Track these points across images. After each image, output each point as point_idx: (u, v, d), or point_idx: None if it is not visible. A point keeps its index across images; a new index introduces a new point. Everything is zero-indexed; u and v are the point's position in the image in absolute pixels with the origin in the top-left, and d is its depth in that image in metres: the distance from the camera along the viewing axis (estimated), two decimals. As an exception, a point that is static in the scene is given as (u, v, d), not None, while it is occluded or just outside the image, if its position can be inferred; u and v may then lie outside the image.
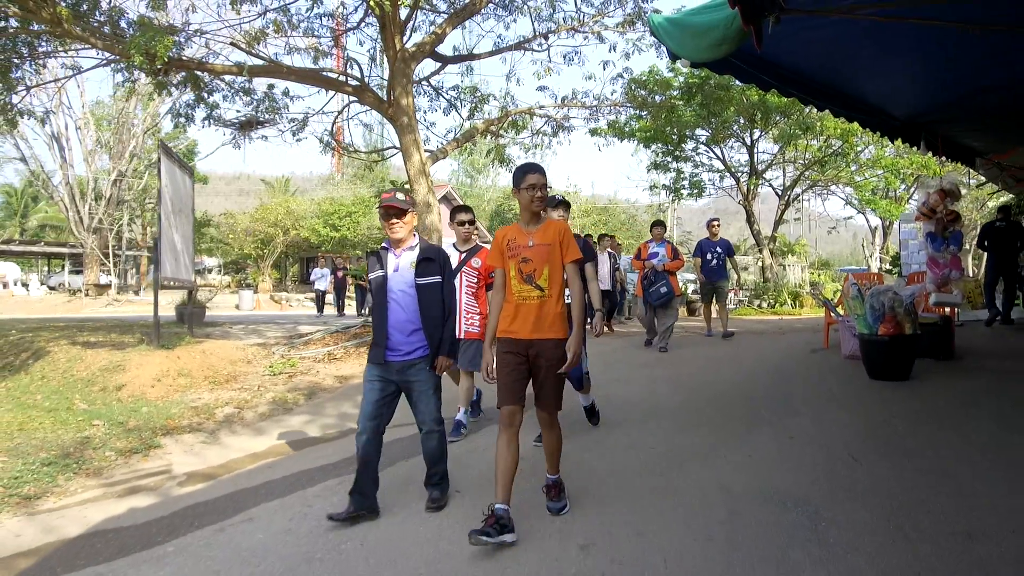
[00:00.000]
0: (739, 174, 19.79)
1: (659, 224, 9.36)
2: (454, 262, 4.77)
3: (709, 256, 9.65)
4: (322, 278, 20.78)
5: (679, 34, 3.99)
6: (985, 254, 10.45)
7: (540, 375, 3.31)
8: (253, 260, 39.08)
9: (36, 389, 7.01)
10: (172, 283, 9.16)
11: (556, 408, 3.34)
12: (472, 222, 5.06)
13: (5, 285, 32.21)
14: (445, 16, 11.68)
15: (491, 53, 12.33)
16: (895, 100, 6.32)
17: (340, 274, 20.06)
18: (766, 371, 7.24)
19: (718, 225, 10.04)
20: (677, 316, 9.09)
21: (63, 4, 8.30)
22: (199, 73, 10.79)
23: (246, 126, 10.87)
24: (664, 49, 5.20)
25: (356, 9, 10.80)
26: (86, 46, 10.46)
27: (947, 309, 7.75)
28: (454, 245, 5.09)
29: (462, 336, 4.79)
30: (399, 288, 3.62)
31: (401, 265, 3.66)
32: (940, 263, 6.78)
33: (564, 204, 4.63)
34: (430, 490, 3.70)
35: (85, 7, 9.19)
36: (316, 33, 11.92)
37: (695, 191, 20.30)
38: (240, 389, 6.75)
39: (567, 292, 3.42)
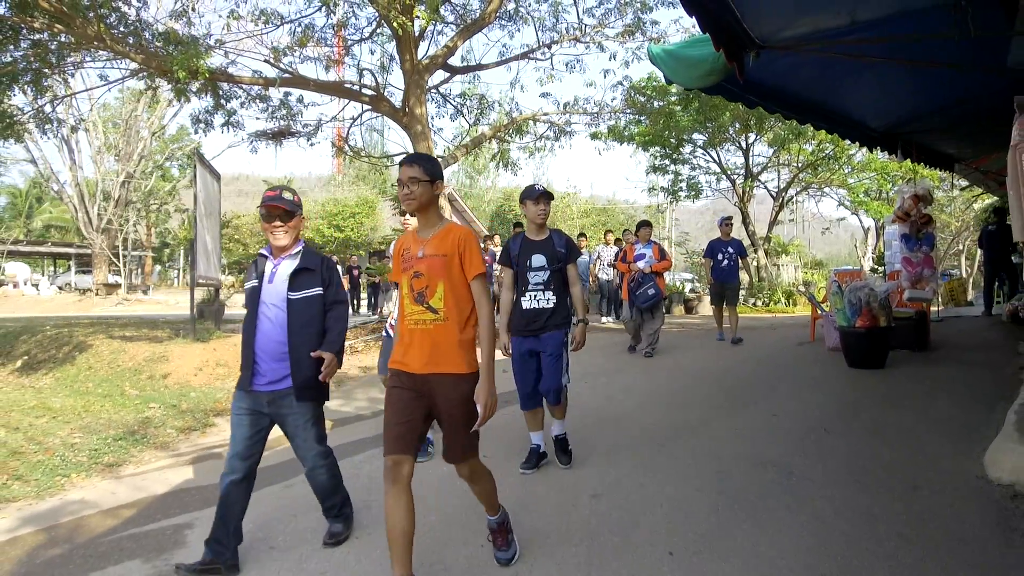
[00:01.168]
0: (735, 177, 20.44)
1: (645, 224, 8.81)
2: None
3: (720, 256, 9.26)
4: None
5: (674, 64, 4.62)
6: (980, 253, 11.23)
7: (441, 419, 2.72)
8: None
9: (85, 378, 7.63)
10: (203, 281, 9.77)
11: (468, 457, 2.76)
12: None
13: (16, 285, 32.79)
14: (454, 27, 12.36)
15: (497, 63, 12.98)
16: (872, 113, 6.93)
17: (356, 273, 19.91)
18: (756, 362, 7.88)
19: (730, 224, 9.71)
20: (663, 320, 8.68)
21: (105, 23, 8.91)
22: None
23: (277, 135, 11.49)
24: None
25: (370, 23, 11.36)
26: (117, 57, 11.11)
27: (923, 304, 8.39)
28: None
29: None
30: (272, 302, 3.08)
31: (278, 276, 3.12)
32: (914, 262, 7.40)
33: (545, 196, 4.14)
34: (330, 523, 3.35)
35: (122, 28, 9.78)
36: (329, 43, 12.61)
37: (692, 193, 20.94)
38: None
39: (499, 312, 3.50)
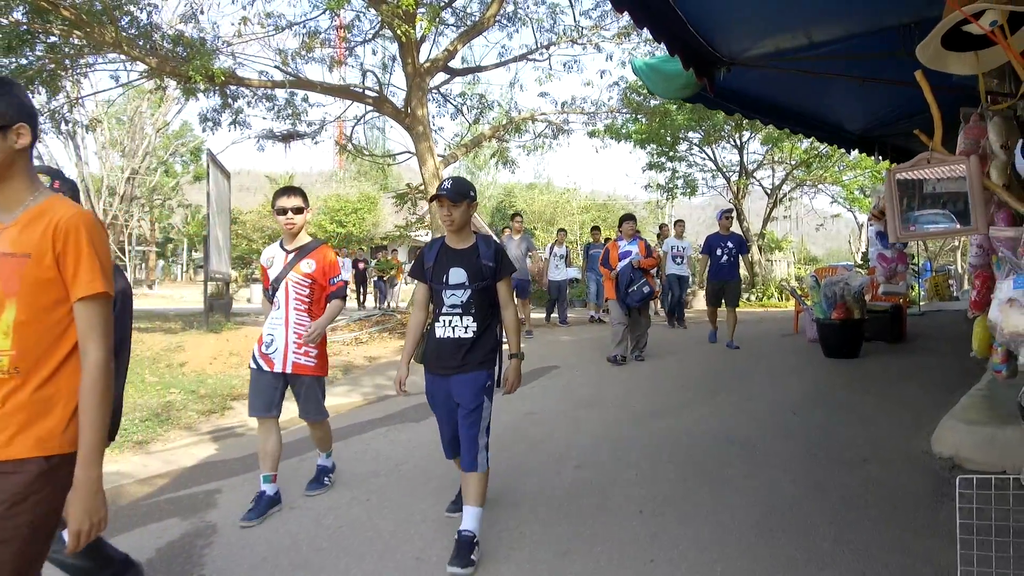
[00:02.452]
0: (730, 174, 20.87)
1: (629, 218, 8.25)
2: (278, 266, 3.65)
3: (719, 252, 8.61)
4: (344, 269, 20.04)
5: (655, 76, 5.05)
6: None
7: None
8: (259, 255, 40.16)
9: (106, 367, 8.08)
10: (216, 275, 10.22)
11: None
12: (299, 210, 3.62)
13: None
14: (454, 29, 12.79)
15: (496, 65, 13.43)
16: (847, 117, 7.34)
17: (361, 266, 19.76)
18: (740, 351, 8.32)
19: (730, 218, 9.13)
20: (650, 321, 8.31)
21: (119, 28, 9.34)
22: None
23: (287, 137, 11.94)
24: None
25: (373, 26, 11.78)
26: (129, 59, 11.54)
27: (900, 298, 8.83)
28: (280, 244, 3.73)
29: (289, 370, 3.66)
30: None
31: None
32: (888, 258, 7.83)
33: (452, 196, 3.08)
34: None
35: (134, 31, 10.20)
36: (332, 44, 13.04)
37: (688, 190, 21.37)
38: (284, 367, 7.84)
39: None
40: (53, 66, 11.19)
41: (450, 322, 3.10)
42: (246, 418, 5.90)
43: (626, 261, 7.60)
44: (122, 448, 4.98)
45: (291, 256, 3.65)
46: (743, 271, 19.60)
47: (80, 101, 12.76)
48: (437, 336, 3.14)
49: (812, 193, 22.92)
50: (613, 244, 8.08)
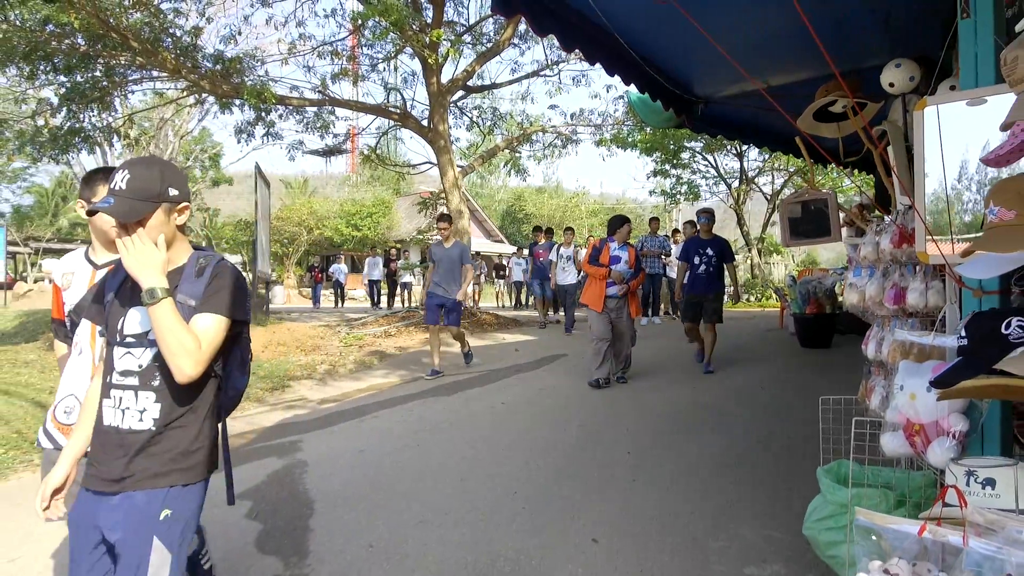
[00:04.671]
0: (731, 180, 21.91)
1: (623, 221, 7.06)
2: (80, 287, 2.33)
3: (697, 260, 7.37)
4: (374, 268, 19.53)
5: (645, 109, 6.11)
6: None
7: None
8: (277, 258, 41.50)
9: (169, 355, 9.23)
10: (261, 275, 11.37)
11: None
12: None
13: (51, 281, 34.65)
14: (470, 47, 13.92)
15: (510, 82, 14.58)
16: (816, 138, 8.38)
17: (393, 266, 19.52)
18: (726, 344, 9.37)
19: (710, 219, 7.61)
20: (635, 335, 7.12)
21: (169, 53, 10.52)
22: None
23: (327, 153, 13.12)
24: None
25: (395, 46, 12.91)
26: (175, 78, 12.74)
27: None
28: (86, 254, 2.42)
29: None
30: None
31: None
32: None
33: (111, 211, 1.69)
34: None
35: (176, 51, 11.37)
36: (351, 59, 14.20)
37: (691, 196, 22.42)
38: (326, 355, 8.95)
39: None
40: (107, 83, 12.41)
41: (120, 400, 1.78)
42: (305, 392, 7.07)
43: (616, 268, 6.73)
44: (209, 414, 6.10)
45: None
46: (746, 275, 20.74)
47: (132, 117, 13.90)
48: (104, 424, 1.80)
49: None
50: (595, 241, 7.51)
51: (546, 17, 3.56)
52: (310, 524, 3.54)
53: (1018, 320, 1.54)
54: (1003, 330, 1.55)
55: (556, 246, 12.16)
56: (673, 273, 11.75)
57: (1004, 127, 1.58)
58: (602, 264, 6.73)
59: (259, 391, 7.05)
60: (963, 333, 1.63)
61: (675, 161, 21.50)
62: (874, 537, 1.74)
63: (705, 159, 21.79)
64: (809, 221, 3.53)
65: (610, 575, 2.93)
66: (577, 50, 3.99)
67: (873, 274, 2.85)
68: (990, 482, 1.76)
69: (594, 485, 4.01)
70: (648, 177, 22.39)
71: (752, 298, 19.91)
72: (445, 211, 11.85)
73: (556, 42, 4.38)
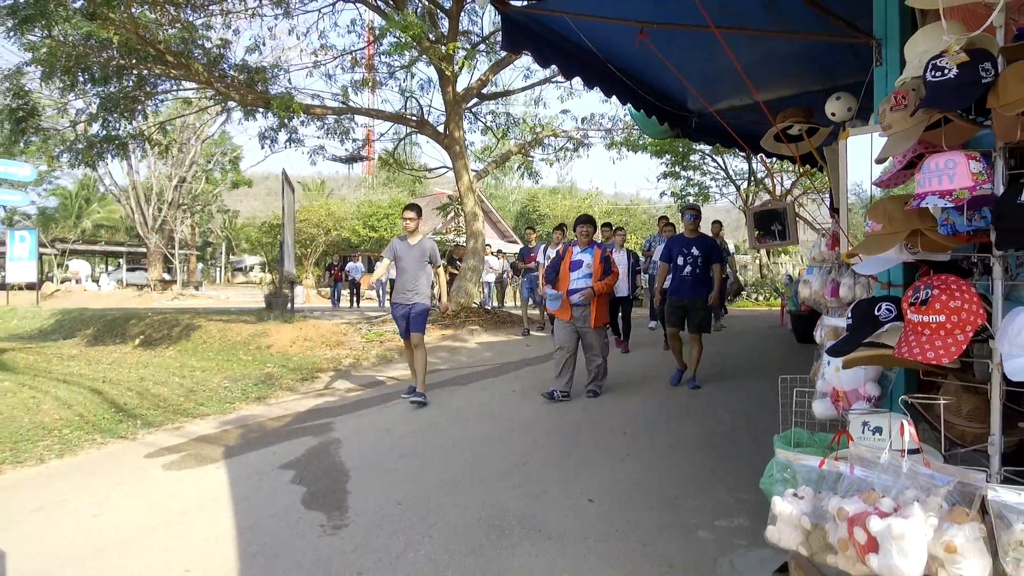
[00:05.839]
0: (740, 181, 22.33)
1: (586, 221, 6.62)
2: None
3: (681, 261, 6.67)
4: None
5: (643, 121, 6.65)
6: None
7: None
8: (296, 259, 42.31)
9: (203, 350, 9.89)
10: (288, 276, 12.01)
11: None
12: None
13: (78, 281, 35.72)
14: (485, 54, 14.51)
15: (523, 88, 15.17)
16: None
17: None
18: (728, 339, 9.89)
19: (696, 216, 6.88)
20: (607, 344, 6.60)
21: (198, 63, 11.19)
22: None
23: (349, 160, 13.77)
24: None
25: (418, 58, 13.52)
26: (203, 87, 13.43)
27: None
28: None
29: None
30: None
31: None
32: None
33: None
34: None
35: (204, 61, 12.04)
36: (376, 70, 14.84)
37: (701, 197, 22.86)
38: (350, 349, 9.55)
39: None
40: (137, 93, 13.13)
41: None
42: (332, 385, 7.65)
43: (578, 274, 6.30)
44: (246, 401, 6.72)
45: None
46: (755, 275, 21.10)
47: (163, 125, 14.63)
48: None
49: (819, 200, 24.22)
50: (567, 249, 6.70)
51: (548, 50, 4.12)
52: (347, 487, 4.13)
53: (887, 305, 2.09)
54: (875, 312, 2.09)
55: (543, 246, 10.80)
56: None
57: (878, 160, 2.11)
58: (556, 284, 6.40)
59: (291, 381, 7.67)
60: (850, 315, 2.17)
61: (685, 163, 21.96)
62: (788, 471, 2.30)
63: (714, 161, 22.23)
64: (773, 226, 4.07)
65: (599, 525, 3.49)
66: (577, 77, 4.54)
67: (820, 272, 3.38)
68: (878, 429, 2.30)
69: (592, 459, 4.56)
70: (658, 180, 22.87)
71: (760, 297, 20.35)
72: (459, 212, 12.36)
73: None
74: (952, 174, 1.85)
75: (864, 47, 4.54)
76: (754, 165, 21.82)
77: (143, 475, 4.52)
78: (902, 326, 2.00)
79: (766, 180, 21.61)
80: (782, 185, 23.27)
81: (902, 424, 2.02)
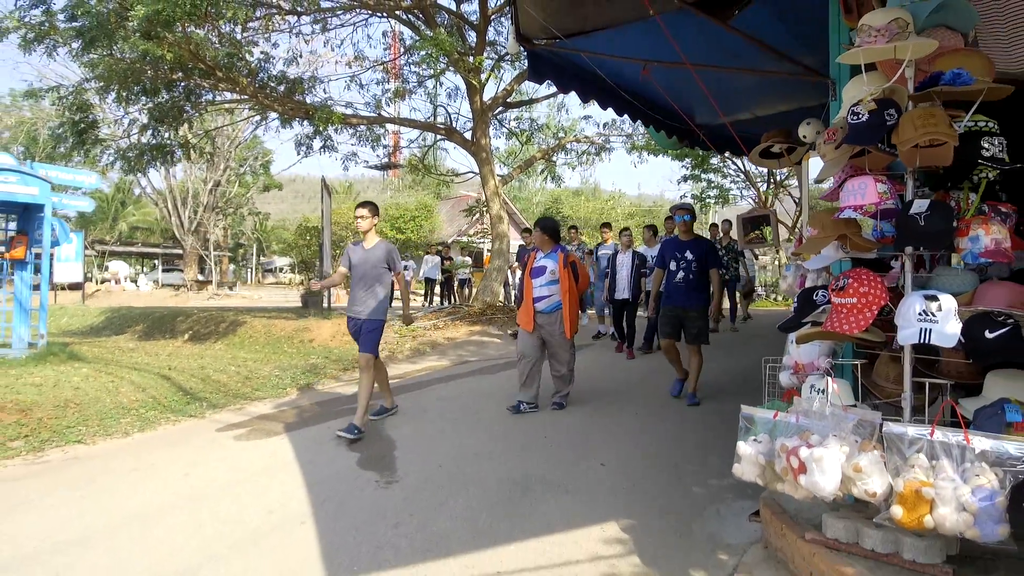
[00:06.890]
0: (760, 183, 22.74)
1: (541, 224, 6.32)
2: None
3: (674, 266, 6.20)
4: (433, 267, 19.27)
5: (656, 135, 7.28)
6: None
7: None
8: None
9: (250, 344, 10.70)
10: (326, 275, 12.81)
11: None
12: None
13: (117, 281, 37.16)
14: (509, 63, 15.22)
15: (546, 97, 15.77)
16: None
17: (446, 264, 19.56)
18: (743, 335, 10.44)
19: (688, 216, 6.23)
20: (574, 354, 6.21)
21: (241, 75, 12.03)
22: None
23: (385, 167, 14.59)
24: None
25: (446, 69, 14.27)
26: (246, 96, 14.31)
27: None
28: None
29: None
30: None
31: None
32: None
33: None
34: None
35: (245, 72, 12.89)
36: (406, 80, 15.62)
37: (721, 200, 23.31)
38: (385, 343, 10.29)
39: None
40: (184, 104, 14.05)
41: None
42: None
43: (540, 281, 6.01)
44: (296, 387, 7.46)
45: None
46: (776, 276, 21.43)
47: (208, 133, 15.54)
48: None
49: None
50: (529, 253, 6.51)
51: (567, 79, 4.79)
52: (394, 454, 4.84)
53: (823, 292, 2.72)
54: (814, 297, 2.72)
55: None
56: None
57: (818, 180, 2.74)
58: (521, 292, 6.24)
59: (334, 371, 8.42)
60: (795, 300, 2.81)
61: (705, 166, 22.43)
62: (749, 423, 2.94)
63: (734, 163, 22.66)
64: (759, 228, 4.70)
65: (608, 483, 4.15)
66: (593, 100, 5.21)
67: (794, 267, 4.01)
68: (822, 391, 2.93)
69: (608, 433, 5.22)
70: (679, 183, 23.39)
71: (781, 297, 20.76)
72: (485, 214, 13.00)
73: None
74: (864, 192, 2.48)
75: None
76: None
77: (218, 445, 5.27)
78: (831, 307, 2.63)
79: (785, 182, 22.02)
80: (773, 190, 23.66)
81: (832, 383, 2.65)
